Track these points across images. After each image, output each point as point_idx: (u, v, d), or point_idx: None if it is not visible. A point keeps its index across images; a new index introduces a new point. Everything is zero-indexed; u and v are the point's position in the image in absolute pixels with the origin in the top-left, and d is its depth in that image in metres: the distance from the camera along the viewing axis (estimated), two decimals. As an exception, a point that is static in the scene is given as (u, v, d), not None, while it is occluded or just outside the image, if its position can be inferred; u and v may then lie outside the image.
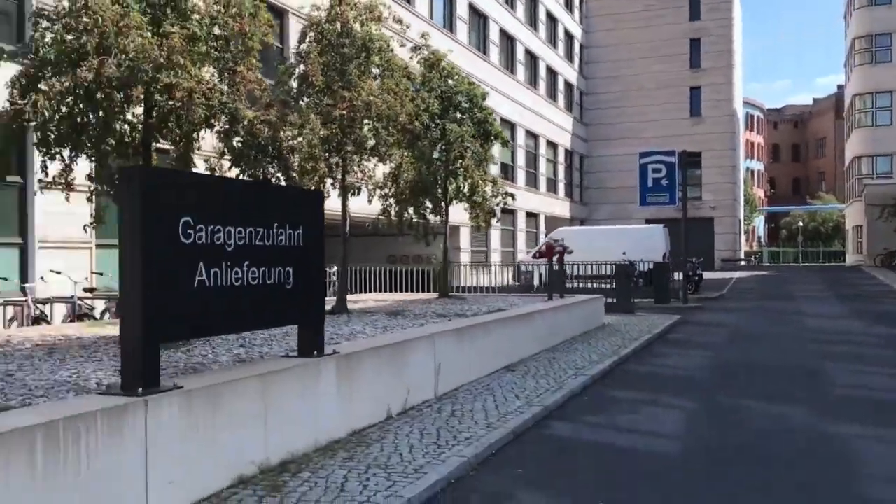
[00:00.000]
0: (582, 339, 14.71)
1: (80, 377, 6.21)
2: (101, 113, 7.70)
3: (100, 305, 13.27)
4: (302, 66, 12.13)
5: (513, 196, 17.63)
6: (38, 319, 11.93)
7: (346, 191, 12.84)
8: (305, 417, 6.58)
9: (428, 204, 15.96)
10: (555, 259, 16.70)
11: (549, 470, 6.66)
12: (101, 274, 13.55)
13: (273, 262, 6.46)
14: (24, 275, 14.90)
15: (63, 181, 8.91)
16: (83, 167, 9.21)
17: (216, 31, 8.64)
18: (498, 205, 16.94)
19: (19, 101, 8.02)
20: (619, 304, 20.54)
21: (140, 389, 5.08)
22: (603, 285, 22.70)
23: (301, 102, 12.10)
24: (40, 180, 8.76)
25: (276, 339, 8.99)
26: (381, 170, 14.31)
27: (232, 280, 6.00)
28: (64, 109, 7.68)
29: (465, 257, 33.68)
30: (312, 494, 5.51)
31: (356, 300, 16.44)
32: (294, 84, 12.41)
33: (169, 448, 5.15)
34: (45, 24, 8.36)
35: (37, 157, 13.41)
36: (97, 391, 5.46)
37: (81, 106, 7.78)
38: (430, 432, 7.31)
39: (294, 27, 21.54)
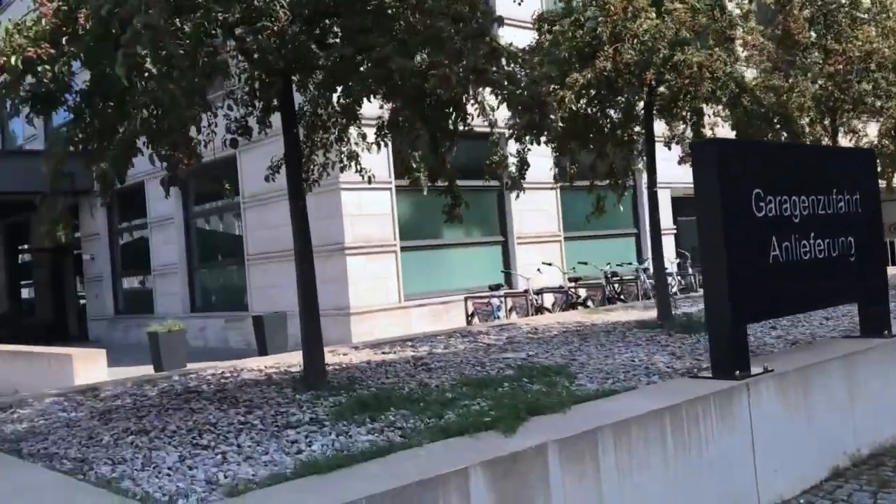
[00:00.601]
0: None
1: (643, 361, 6.24)
2: (620, 103, 7.79)
3: (582, 293, 13.79)
4: (780, 25, 11.19)
5: None
6: (539, 309, 12.76)
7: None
8: (889, 404, 5.83)
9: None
10: None
11: None
12: (586, 263, 14.08)
13: (835, 233, 5.85)
14: (507, 268, 16.22)
15: (567, 177, 9.27)
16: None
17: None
18: None
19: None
20: None
21: (737, 373, 4.86)
22: None
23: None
24: (555, 178, 9.17)
25: (798, 317, 8.26)
26: (871, 128, 12.69)
27: (800, 254, 5.54)
28: (583, 102, 7.92)
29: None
30: (936, 494, 4.77)
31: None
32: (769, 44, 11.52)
33: (769, 434, 4.84)
34: (546, 26, 8.77)
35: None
36: (688, 375, 5.35)
37: (598, 98, 7.95)
38: None
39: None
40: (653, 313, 9.91)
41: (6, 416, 5.97)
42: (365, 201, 14.02)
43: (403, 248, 14.61)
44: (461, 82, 4.75)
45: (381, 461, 3.61)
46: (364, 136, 7.29)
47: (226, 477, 3.70)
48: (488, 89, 5.61)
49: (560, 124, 8.50)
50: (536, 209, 16.38)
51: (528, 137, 5.72)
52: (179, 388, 6.60)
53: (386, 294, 14.23)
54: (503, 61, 5.55)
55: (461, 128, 5.78)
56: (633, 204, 17.65)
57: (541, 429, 4.01)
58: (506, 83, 4.99)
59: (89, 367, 11.05)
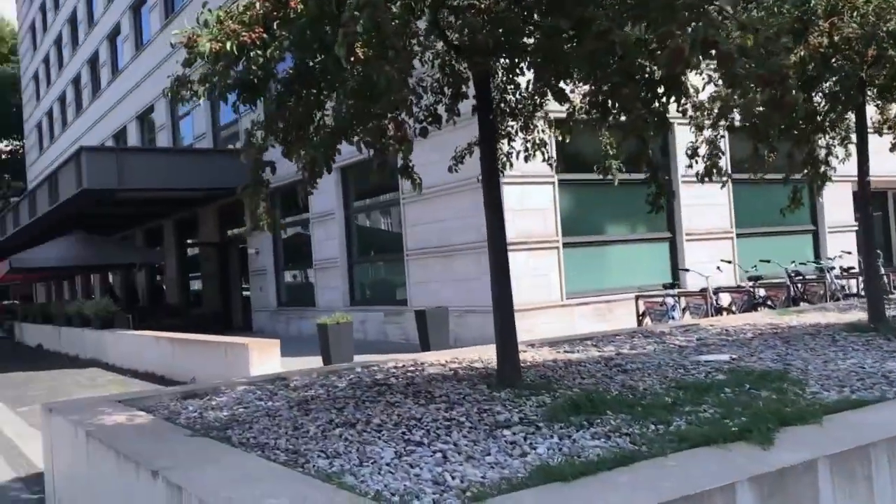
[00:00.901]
0: None
1: (875, 368, 5.59)
2: (833, 83, 7.08)
3: (761, 293, 12.86)
4: None
5: None
6: (720, 310, 11.99)
7: None
8: None
9: None
10: None
11: None
12: (769, 261, 13.15)
13: None
14: (674, 266, 15.47)
15: (764, 168, 8.55)
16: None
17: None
18: None
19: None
20: None
21: None
22: None
23: None
24: (749, 168, 8.49)
25: None
26: None
27: None
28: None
29: None
30: None
31: None
32: None
33: None
34: (742, 3, 8.12)
35: (679, 152, 13.86)
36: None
37: (804, 78, 7.25)
38: None
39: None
40: (853, 315, 9.08)
41: (204, 402, 6.06)
42: (527, 196, 13.72)
43: (565, 244, 14.21)
44: (693, 55, 4.31)
45: (627, 471, 3.26)
46: (551, 124, 6.97)
47: (452, 478, 3.47)
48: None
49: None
50: (708, 204, 15.53)
51: (774, 116, 5.18)
52: (367, 380, 6.51)
53: (548, 291, 13.88)
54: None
55: (674, 109, 5.32)
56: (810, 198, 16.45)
57: (798, 441, 3.55)
58: (736, 56, 4.48)
59: (264, 357, 11.34)
